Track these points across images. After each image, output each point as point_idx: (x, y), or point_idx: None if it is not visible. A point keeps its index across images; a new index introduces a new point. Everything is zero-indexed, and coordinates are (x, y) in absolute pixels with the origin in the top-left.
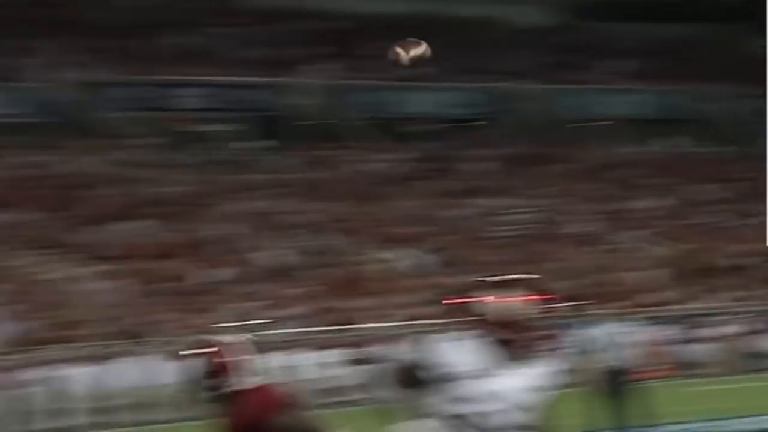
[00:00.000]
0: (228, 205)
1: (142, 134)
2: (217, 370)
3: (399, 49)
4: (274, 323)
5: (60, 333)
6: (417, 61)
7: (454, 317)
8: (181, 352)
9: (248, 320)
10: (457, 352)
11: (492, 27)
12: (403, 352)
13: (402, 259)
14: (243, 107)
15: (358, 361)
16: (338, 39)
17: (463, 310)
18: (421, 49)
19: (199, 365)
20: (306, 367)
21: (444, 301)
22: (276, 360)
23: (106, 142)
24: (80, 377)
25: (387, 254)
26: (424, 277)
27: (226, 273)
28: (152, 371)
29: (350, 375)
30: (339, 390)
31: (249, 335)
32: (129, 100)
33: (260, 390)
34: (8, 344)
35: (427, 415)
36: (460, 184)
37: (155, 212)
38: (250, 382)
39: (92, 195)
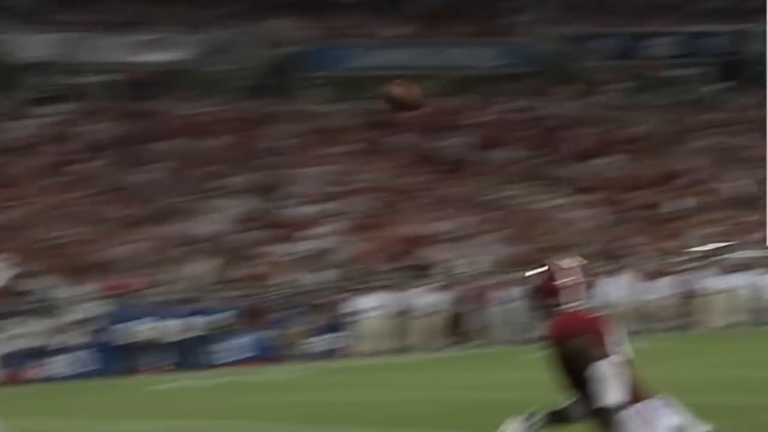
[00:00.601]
0: (692, 141)
1: (616, 80)
2: (546, 291)
3: (394, 87)
4: (736, 247)
5: (545, 255)
6: (405, 103)
7: None
8: (526, 274)
9: (712, 244)
10: None
11: None
12: None
13: None
14: (707, 53)
15: None
16: None
17: None
18: (405, 91)
19: (533, 285)
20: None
21: None
22: (737, 280)
23: (585, 87)
24: None
25: None
26: None
27: (691, 202)
28: (628, 288)
29: None
30: None
31: (582, 260)
32: (605, 50)
33: (573, 314)
34: (500, 264)
35: None
36: None
37: (628, 149)
38: (572, 305)
39: (573, 134)
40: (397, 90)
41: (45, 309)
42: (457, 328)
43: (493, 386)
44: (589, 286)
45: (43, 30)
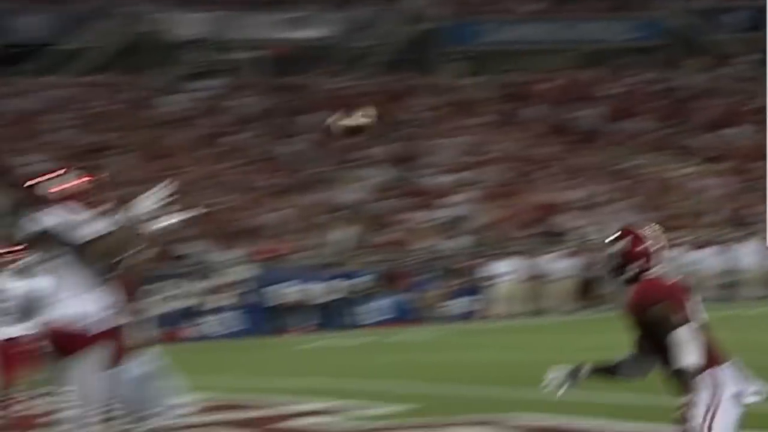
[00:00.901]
0: None
1: (745, 52)
2: (627, 257)
3: (335, 118)
4: None
5: (673, 222)
6: (353, 131)
7: None
8: (606, 240)
9: None
10: None
11: None
12: None
13: None
14: None
15: None
16: None
17: None
18: (356, 120)
19: (615, 251)
20: None
21: None
22: None
23: (715, 59)
24: (705, 257)
25: None
26: None
27: None
28: (756, 255)
29: None
30: None
31: (656, 226)
32: (735, 23)
33: (653, 281)
34: None
35: None
36: None
37: (756, 119)
38: (653, 272)
39: (702, 105)
40: (345, 120)
41: (199, 272)
42: (589, 292)
43: (622, 348)
44: (667, 253)
45: (196, 9)
